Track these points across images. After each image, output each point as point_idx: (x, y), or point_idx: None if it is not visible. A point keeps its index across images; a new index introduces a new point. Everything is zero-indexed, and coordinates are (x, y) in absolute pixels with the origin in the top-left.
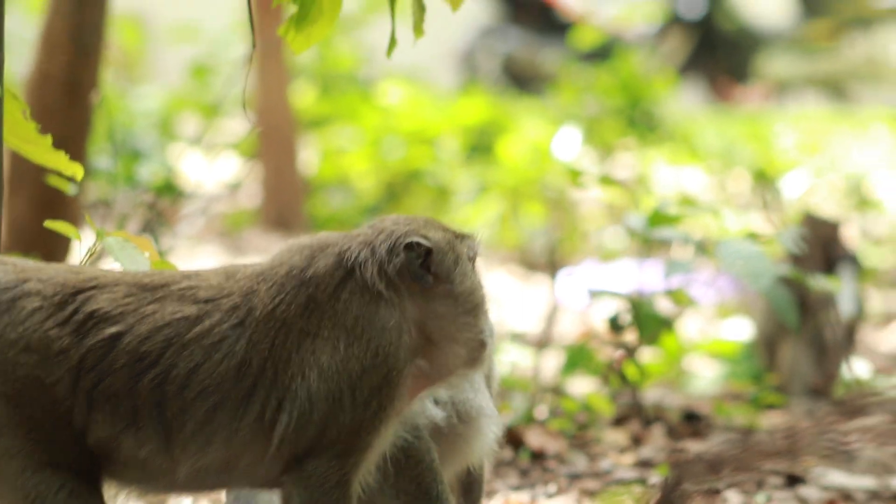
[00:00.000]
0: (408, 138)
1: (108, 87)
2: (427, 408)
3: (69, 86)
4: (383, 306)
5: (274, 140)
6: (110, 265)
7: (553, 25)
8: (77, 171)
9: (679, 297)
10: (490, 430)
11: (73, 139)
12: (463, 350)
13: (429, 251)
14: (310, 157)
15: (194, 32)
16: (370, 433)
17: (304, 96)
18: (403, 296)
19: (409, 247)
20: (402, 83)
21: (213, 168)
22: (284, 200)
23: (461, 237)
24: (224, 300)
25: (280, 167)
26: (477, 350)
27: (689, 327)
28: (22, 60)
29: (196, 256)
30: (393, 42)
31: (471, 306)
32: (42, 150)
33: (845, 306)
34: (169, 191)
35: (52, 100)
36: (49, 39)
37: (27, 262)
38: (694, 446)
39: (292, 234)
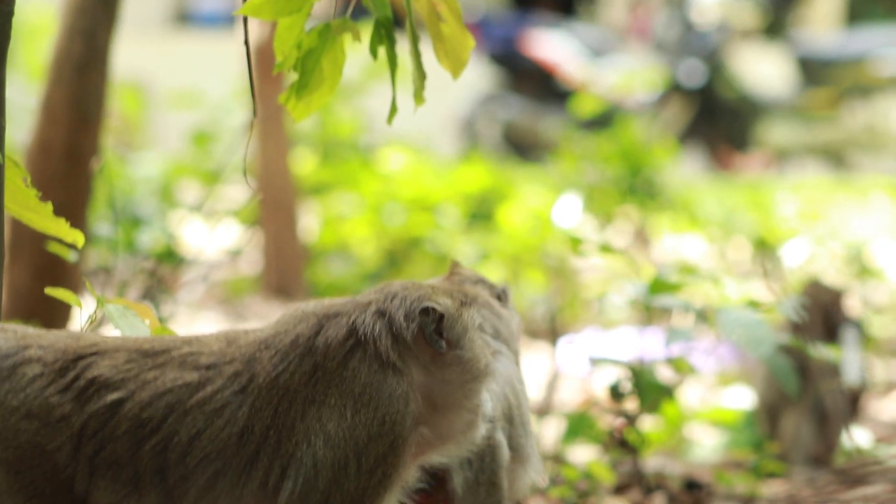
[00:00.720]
0: (408, 205)
1: (108, 154)
2: (503, 445)
3: (70, 153)
4: (391, 374)
5: (274, 207)
6: (111, 332)
7: (553, 93)
8: (78, 238)
9: (680, 365)
10: (531, 474)
11: (73, 206)
12: (467, 417)
13: (441, 316)
14: (310, 223)
15: (195, 99)
16: (374, 500)
17: (304, 163)
18: (412, 363)
19: (425, 311)
20: (403, 150)
21: (214, 235)
22: (285, 267)
23: (467, 303)
24: (226, 366)
25: (280, 234)
26: (477, 419)
27: (690, 395)
28: (23, 128)
29: (196, 323)
30: (394, 109)
31: (477, 373)
32: (43, 218)
33: (850, 374)
34: (169, 258)
35: (52, 167)
36: (49, 107)
37: (28, 329)
38: None
39: (293, 301)
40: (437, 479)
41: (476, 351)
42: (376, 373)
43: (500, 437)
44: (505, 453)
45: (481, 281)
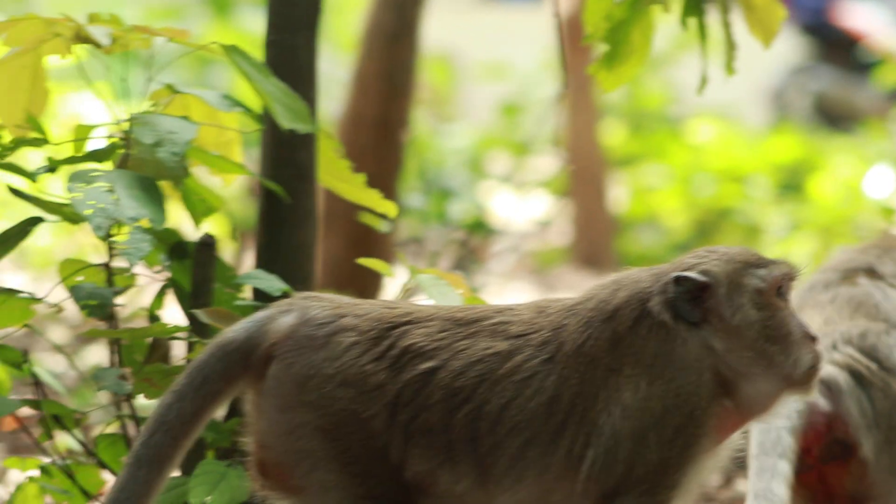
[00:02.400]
0: (718, 176)
1: (418, 125)
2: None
3: (381, 125)
4: (679, 343)
5: (583, 178)
6: (422, 301)
7: (866, 64)
8: (390, 209)
9: None
10: None
11: (384, 177)
12: (763, 386)
13: (701, 286)
14: (619, 194)
15: (504, 71)
16: (677, 472)
17: (613, 134)
18: (696, 333)
19: (678, 281)
20: (712, 121)
21: (524, 206)
22: (594, 238)
23: (761, 265)
24: (534, 335)
25: (590, 205)
26: (777, 389)
27: None
28: (335, 101)
29: (507, 293)
30: (704, 80)
31: (758, 338)
32: (355, 189)
33: None
34: (479, 228)
35: (364, 139)
36: (361, 80)
37: (342, 298)
38: None
39: (603, 272)
40: (846, 447)
41: (750, 317)
42: (664, 342)
43: None
44: None
45: None
